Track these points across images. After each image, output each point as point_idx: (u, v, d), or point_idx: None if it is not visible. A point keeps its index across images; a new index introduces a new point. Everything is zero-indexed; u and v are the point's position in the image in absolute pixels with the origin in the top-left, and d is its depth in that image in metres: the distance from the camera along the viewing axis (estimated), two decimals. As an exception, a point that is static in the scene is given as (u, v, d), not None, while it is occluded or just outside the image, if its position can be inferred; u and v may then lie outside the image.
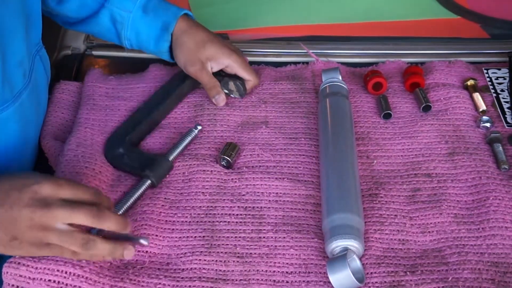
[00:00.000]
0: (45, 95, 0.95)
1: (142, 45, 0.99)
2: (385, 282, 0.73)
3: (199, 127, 0.91)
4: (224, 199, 0.83)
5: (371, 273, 0.74)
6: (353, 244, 0.74)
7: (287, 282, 0.74)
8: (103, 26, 0.99)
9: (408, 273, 0.74)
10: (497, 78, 1.04)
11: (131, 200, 0.81)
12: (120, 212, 0.80)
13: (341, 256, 0.72)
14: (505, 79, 1.03)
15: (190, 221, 0.81)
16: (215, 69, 0.98)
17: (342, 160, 0.84)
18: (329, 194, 0.79)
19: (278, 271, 0.75)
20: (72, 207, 0.67)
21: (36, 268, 0.71)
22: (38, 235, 0.67)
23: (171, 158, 0.87)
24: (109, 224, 0.69)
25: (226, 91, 0.98)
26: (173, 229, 0.80)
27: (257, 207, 0.82)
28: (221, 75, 0.98)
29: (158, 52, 0.99)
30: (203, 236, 0.79)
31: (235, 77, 0.98)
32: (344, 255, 0.72)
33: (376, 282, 0.73)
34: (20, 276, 0.71)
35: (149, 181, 0.84)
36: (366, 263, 0.75)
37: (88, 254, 0.70)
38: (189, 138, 0.90)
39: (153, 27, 0.96)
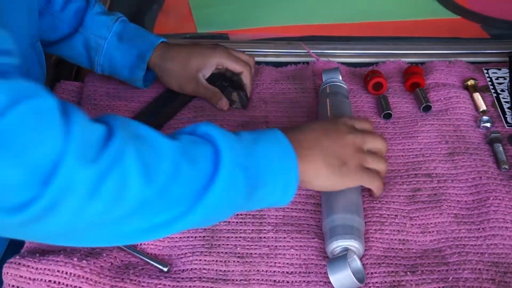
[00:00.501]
0: None
1: (116, 71, 0.98)
2: (386, 282, 0.73)
3: None
4: (224, 199, 0.83)
5: (372, 273, 0.74)
6: (353, 244, 0.74)
7: (288, 282, 0.74)
8: (75, 51, 0.98)
9: (408, 273, 0.74)
10: (497, 78, 1.04)
11: None
12: None
13: (341, 256, 0.72)
14: (505, 79, 1.03)
15: (190, 221, 0.81)
16: (208, 74, 0.96)
17: None
18: (329, 195, 0.79)
19: (279, 271, 0.75)
20: (373, 134, 0.79)
21: (37, 268, 0.71)
22: (362, 157, 0.75)
23: None
24: (386, 148, 0.80)
25: (229, 101, 0.97)
26: (173, 229, 0.80)
27: (257, 207, 0.82)
28: (224, 85, 0.97)
29: (131, 80, 0.98)
30: (203, 236, 0.79)
31: (238, 88, 0.97)
32: (344, 255, 0.72)
33: (376, 282, 0.73)
34: (21, 276, 0.71)
35: None
36: (367, 263, 0.75)
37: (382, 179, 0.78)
38: None
39: (128, 55, 0.95)
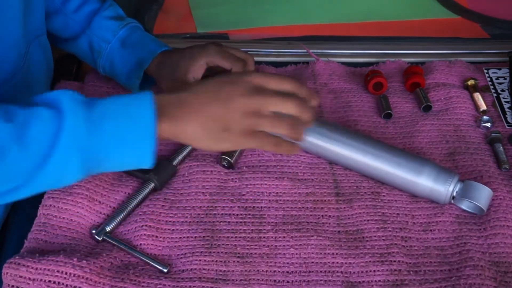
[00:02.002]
0: (44, 86, 0.95)
1: (115, 76, 0.98)
2: (389, 280, 0.73)
3: None
4: (224, 199, 0.83)
5: (374, 271, 0.74)
6: (457, 178, 0.81)
7: (288, 282, 0.74)
8: (82, 50, 0.99)
9: (411, 272, 0.74)
10: (497, 78, 1.04)
11: (135, 203, 0.81)
12: (123, 215, 0.80)
13: (469, 184, 0.80)
14: (505, 79, 1.03)
15: (190, 221, 0.80)
16: (199, 75, 0.92)
17: (367, 137, 0.87)
18: (401, 161, 0.82)
19: (279, 271, 0.75)
20: (283, 96, 0.70)
21: (36, 268, 0.71)
22: (252, 121, 0.69)
23: (175, 162, 0.87)
24: (309, 115, 0.72)
25: None
26: (173, 229, 0.80)
27: (257, 207, 0.82)
28: None
29: (128, 86, 0.98)
30: (203, 236, 0.78)
31: None
32: (469, 183, 0.80)
33: (379, 281, 0.73)
34: (20, 276, 0.71)
35: (152, 184, 0.83)
36: (369, 261, 0.75)
37: (290, 142, 0.72)
38: None
39: (128, 62, 0.95)
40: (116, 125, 0.65)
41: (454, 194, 0.81)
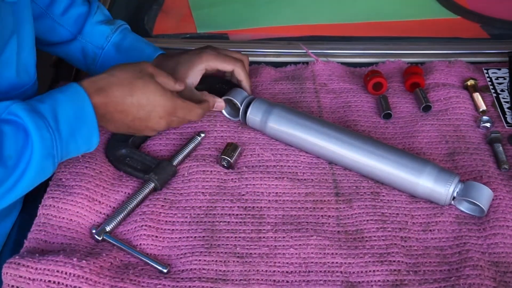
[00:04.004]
0: None
1: None
2: (388, 280, 0.73)
3: (203, 135, 0.91)
4: (224, 199, 0.83)
5: (374, 271, 0.74)
6: (458, 178, 0.81)
7: (287, 281, 0.74)
8: (73, 56, 0.98)
9: (411, 272, 0.74)
10: (497, 78, 1.03)
11: (135, 203, 0.81)
12: (123, 215, 0.80)
13: (470, 184, 0.80)
14: (505, 79, 1.03)
15: (190, 221, 0.81)
16: (197, 80, 0.93)
17: (367, 137, 0.87)
18: (402, 161, 0.82)
19: (278, 271, 0.75)
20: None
21: (36, 268, 0.71)
22: (167, 121, 0.85)
23: (175, 163, 0.87)
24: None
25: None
26: (173, 229, 0.80)
27: (257, 207, 0.82)
28: (224, 88, 0.96)
29: None
30: (203, 236, 0.79)
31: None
32: (470, 183, 0.80)
33: (378, 281, 0.73)
34: (20, 276, 0.71)
35: (152, 185, 0.83)
36: (369, 261, 0.75)
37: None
38: (192, 145, 0.89)
39: None
40: (69, 129, 0.75)
41: (455, 194, 0.80)
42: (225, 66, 0.94)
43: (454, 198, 0.81)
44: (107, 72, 0.81)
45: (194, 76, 0.93)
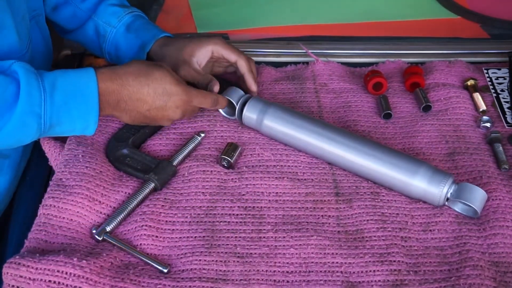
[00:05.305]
0: (45, 68, 0.96)
1: (120, 60, 1.00)
2: (388, 280, 0.73)
3: (203, 135, 0.91)
4: (224, 199, 0.83)
5: (374, 271, 0.74)
6: (452, 179, 0.81)
7: (287, 281, 0.74)
8: (88, 37, 1.01)
9: (411, 272, 0.74)
10: (497, 78, 1.04)
11: (135, 203, 0.81)
12: (123, 215, 0.80)
13: (464, 185, 0.80)
14: (505, 79, 1.04)
15: (190, 221, 0.81)
16: (203, 61, 0.95)
17: (364, 139, 0.87)
18: (396, 161, 0.82)
19: (278, 271, 0.75)
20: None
21: (36, 268, 0.71)
22: (169, 124, 0.88)
23: (175, 163, 0.87)
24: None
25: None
26: (173, 229, 0.80)
27: (257, 207, 0.82)
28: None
29: None
30: (203, 236, 0.79)
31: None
32: (464, 184, 0.80)
33: (378, 281, 0.73)
34: (20, 276, 0.71)
35: (152, 185, 0.83)
36: (369, 261, 0.75)
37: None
38: (192, 145, 0.90)
39: (133, 45, 0.98)
40: (65, 97, 0.77)
41: (449, 195, 0.80)
42: (230, 55, 0.96)
43: (448, 199, 0.81)
44: (125, 64, 0.84)
45: (201, 55, 0.95)
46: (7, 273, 0.71)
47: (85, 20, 1.00)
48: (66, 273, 0.71)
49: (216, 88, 0.92)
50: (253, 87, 0.96)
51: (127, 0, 1.06)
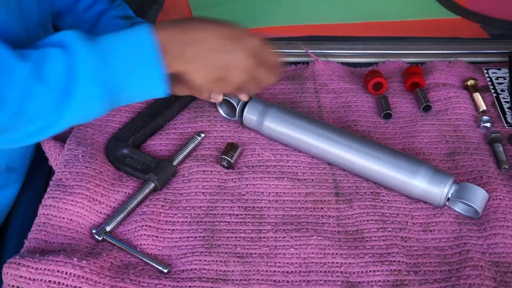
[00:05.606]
0: None
1: None
2: (388, 281, 0.73)
3: (203, 135, 0.91)
4: (224, 199, 0.83)
5: (374, 271, 0.74)
6: (452, 179, 0.81)
7: (288, 281, 0.74)
8: None
9: (411, 272, 0.74)
10: (497, 78, 1.04)
11: (135, 203, 0.81)
12: (123, 215, 0.80)
13: (465, 185, 0.80)
14: (505, 79, 1.04)
15: (190, 221, 0.81)
16: None
17: (364, 139, 0.87)
18: (397, 162, 0.82)
19: (279, 271, 0.75)
20: (269, 70, 0.81)
21: (36, 268, 0.71)
22: (245, 79, 0.78)
23: (175, 163, 0.87)
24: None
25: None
26: (173, 229, 0.80)
27: (257, 207, 0.82)
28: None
29: None
30: (203, 236, 0.79)
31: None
32: (464, 184, 0.80)
33: (378, 281, 0.73)
34: (20, 276, 0.71)
35: (152, 185, 0.83)
36: (369, 261, 0.75)
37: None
38: (192, 145, 0.90)
39: None
40: (122, 56, 0.70)
41: (449, 195, 0.80)
42: None
43: (448, 199, 0.81)
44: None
45: None
46: (7, 273, 0.71)
47: (87, 32, 0.99)
48: (66, 273, 0.71)
49: (220, 98, 0.90)
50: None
51: (127, 0, 1.06)
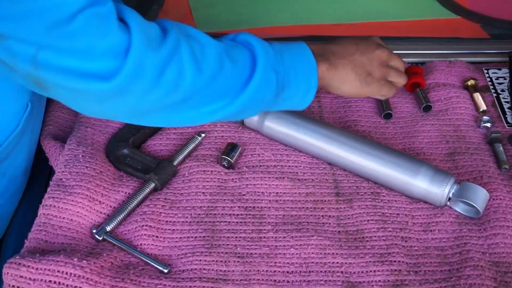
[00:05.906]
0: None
1: None
2: (389, 281, 0.73)
3: (203, 135, 0.91)
4: (224, 199, 0.83)
5: (374, 271, 0.74)
6: (453, 179, 0.81)
7: (288, 281, 0.74)
8: None
9: (411, 272, 0.74)
10: (497, 78, 1.04)
11: (135, 203, 0.81)
12: (123, 215, 0.80)
13: (466, 185, 0.80)
14: (505, 79, 1.04)
15: (190, 221, 0.81)
16: None
17: (365, 139, 0.87)
18: (397, 161, 0.83)
19: (279, 271, 0.75)
20: (396, 55, 0.90)
21: (37, 268, 0.71)
22: (385, 71, 0.87)
23: (175, 163, 0.87)
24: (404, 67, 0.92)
25: None
26: (173, 229, 0.80)
27: (258, 207, 0.82)
28: None
29: None
30: (204, 236, 0.79)
31: None
32: (466, 184, 0.80)
33: (379, 281, 0.73)
34: (21, 277, 0.71)
35: (153, 185, 0.83)
36: (370, 261, 0.75)
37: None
38: (193, 145, 0.90)
39: None
40: (291, 57, 0.78)
41: (450, 195, 0.80)
42: None
43: (450, 199, 0.81)
44: None
45: None
46: (7, 273, 0.71)
47: None
48: (67, 273, 0.71)
49: None
50: None
51: (127, 0, 1.06)
